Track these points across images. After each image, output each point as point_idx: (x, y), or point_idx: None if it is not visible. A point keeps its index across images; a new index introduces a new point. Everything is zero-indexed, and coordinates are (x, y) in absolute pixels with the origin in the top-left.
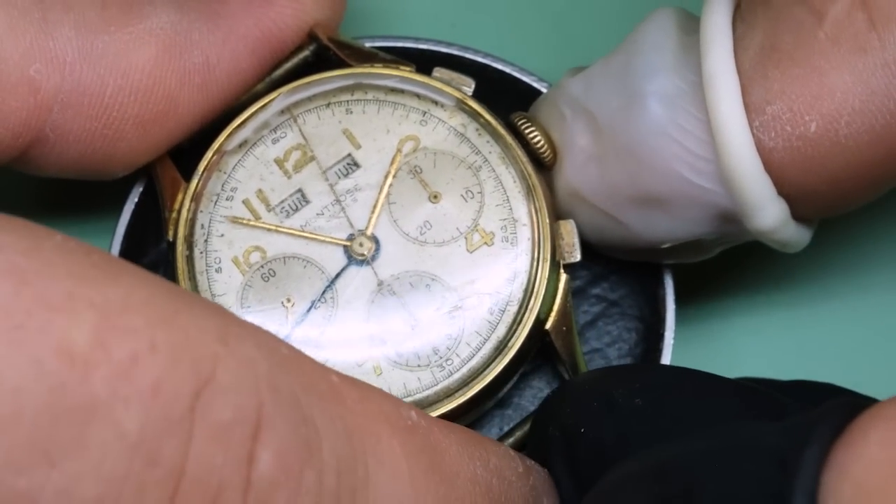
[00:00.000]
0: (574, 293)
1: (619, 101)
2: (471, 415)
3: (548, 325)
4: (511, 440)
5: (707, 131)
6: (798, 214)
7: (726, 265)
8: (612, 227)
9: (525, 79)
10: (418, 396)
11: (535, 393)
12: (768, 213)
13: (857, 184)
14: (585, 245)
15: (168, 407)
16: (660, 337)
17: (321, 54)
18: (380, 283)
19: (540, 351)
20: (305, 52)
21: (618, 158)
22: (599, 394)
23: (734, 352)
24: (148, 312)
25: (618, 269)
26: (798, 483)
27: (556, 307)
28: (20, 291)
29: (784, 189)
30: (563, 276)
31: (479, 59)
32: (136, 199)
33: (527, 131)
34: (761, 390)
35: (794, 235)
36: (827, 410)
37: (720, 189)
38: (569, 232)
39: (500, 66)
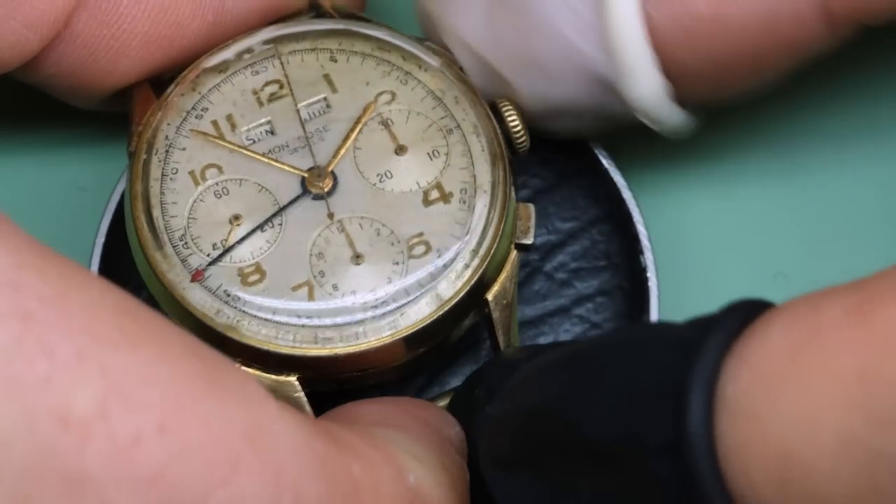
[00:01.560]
0: (558, 312)
1: None
2: (393, 370)
3: (489, 295)
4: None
5: None
6: (679, 97)
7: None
8: (493, 79)
9: None
10: (346, 330)
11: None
12: (645, 83)
13: (739, 68)
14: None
15: (170, 500)
16: None
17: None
18: (330, 217)
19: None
20: (303, 17)
21: (506, 10)
22: (527, 357)
23: None
24: (167, 390)
25: (604, 291)
26: (697, 367)
27: (500, 279)
28: (24, 340)
29: (667, 66)
30: (513, 253)
31: None
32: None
33: (507, 114)
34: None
35: (673, 116)
36: (734, 306)
37: (601, 54)
38: (527, 215)
39: None
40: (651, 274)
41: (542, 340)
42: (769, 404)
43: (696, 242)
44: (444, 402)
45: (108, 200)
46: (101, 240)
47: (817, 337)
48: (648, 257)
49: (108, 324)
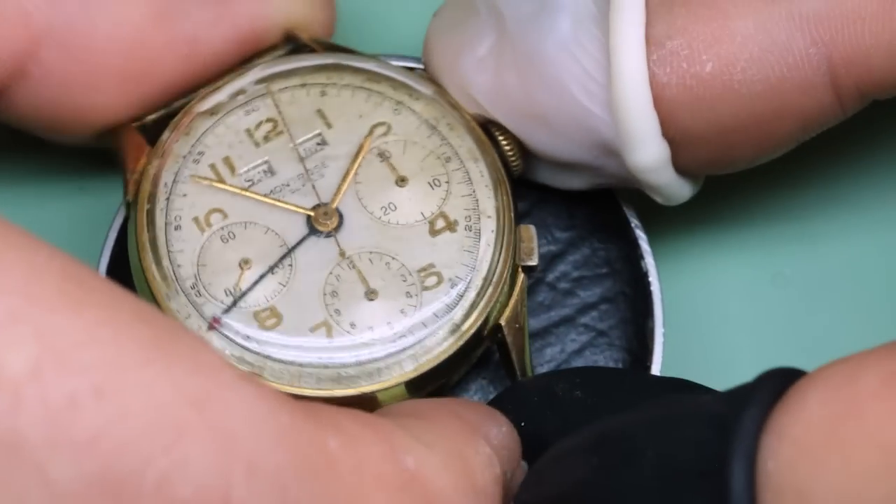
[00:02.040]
0: (563, 322)
1: (531, 8)
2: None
3: (502, 320)
4: None
5: (606, 56)
6: (681, 165)
7: (717, 303)
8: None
9: None
10: (369, 367)
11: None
12: (648, 149)
13: (743, 137)
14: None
15: (106, 466)
16: (646, 370)
17: (300, 53)
18: (340, 255)
19: (484, 358)
20: (280, 51)
21: (515, 64)
22: (540, 389)
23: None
24: (106, 353)
25: (608, 299)
26: (737, 444)
27: (511, 303)
28: None
29: (670, 132)
30: (521, 276)
31: None
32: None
33: (500, 138)
34: (705, 387)
35: (672, 184)
36: (766, 376)
37: (606, 116)
38: (529, 237)
39: None
40: (653, 278)
41: (550, 352)
42: (813, 478)
43: (696, 244)
44: None
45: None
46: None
47: (857, 408)
48: (649, 262)
49: (49, 287)
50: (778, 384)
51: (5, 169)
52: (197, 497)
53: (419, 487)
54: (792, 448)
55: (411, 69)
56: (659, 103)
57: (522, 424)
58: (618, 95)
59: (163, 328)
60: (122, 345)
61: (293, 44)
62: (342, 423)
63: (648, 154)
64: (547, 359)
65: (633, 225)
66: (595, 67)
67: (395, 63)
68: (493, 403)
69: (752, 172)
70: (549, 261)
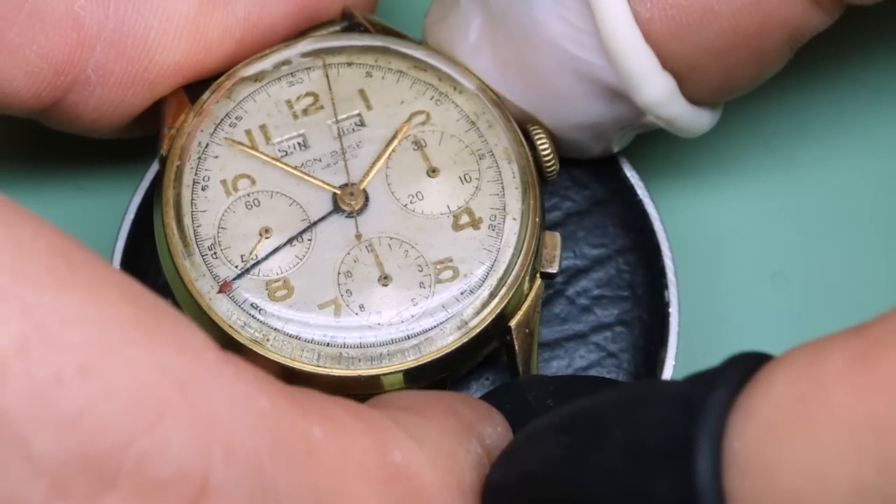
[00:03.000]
0: (575, 337)
1: None
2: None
3: (512, 323)
4: None
5: (588, 5)
6: (690, 95)
7: (731, 331)
8: (515, 111)
9: None
10: (371, 352)
11: None
12: (652, 83)
13: (738, 55)
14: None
15: (88, 444)
16: None
17: (352, 32)
18: (359, 237)
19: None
20: (335, 27)
21: (507, 39)
22: (512, 397)
23: None
24: (92, 332)
25: (623, 321)
26: (703, 424)
27: (524, 307)
28: None
29: (668, 63)
30: (538, 282)
31: None
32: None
33: (538, 139)
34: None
35: (686, 113)
36: (734, 360)
37: (604, 62)
38: (553, 244)
39: None
40: (673, 309)
41: (556, 364)
42: (779, 457)
43: (723, 278)
44: None
45: (134, 192)
46: (123, 234)
47: (822, 387)
48: (672, 292)
49: (36, 264)
50: (746, 367)
51: (5, 170)
52: (176, 477)
53: (404, 482)
54: (759, 427)
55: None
56: (649, 38)
57: None
58: (608, 39)
59: (148, 308)
60: (107, 324)
61: (348, 21)
62: (331, 411)
63: (654, 88)
64: (553, 371)
65: (663, 253)
66: (581, 20)
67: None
68: None
69: (752, 173)
70: (572, 275)
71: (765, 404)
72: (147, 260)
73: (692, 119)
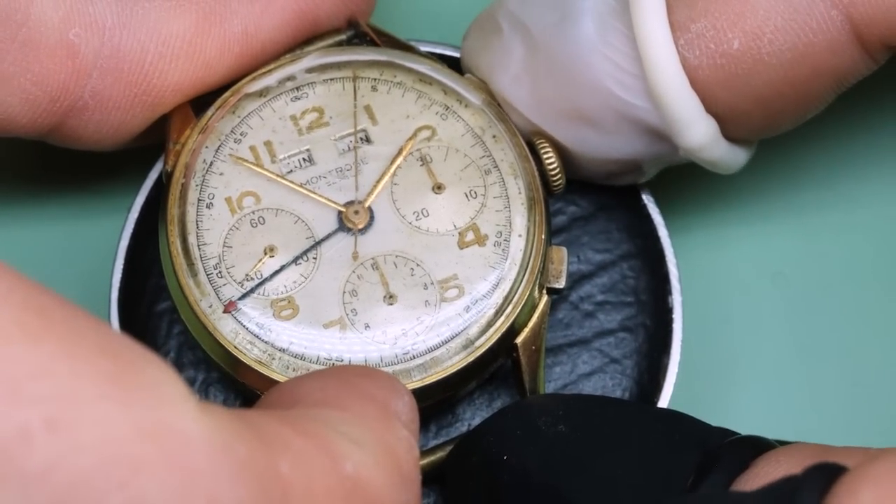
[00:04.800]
0: (578, 343)
1: (554, 17)
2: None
3: (518, 340)
4: (432, 457)
5: (635, 48)
6: (730, 135)
7: (732, 332)
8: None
9: None
10: None
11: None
12: (696, 129)
13: (784, 103)
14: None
15: (59, 501)
16: (652, 405)
17: (356, 41)
18: (365, 254)
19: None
20: (341, 36)
21: (550, 73)
22: (523, 422)
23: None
24: (62, 386)
25: (627, 327)
26: None
27: (531, 324)
28: None
29: (712, 108)
30: (545, 298)
31: None
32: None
33: (544, 153)
34: (684, 416)
35: (727, 155)
36: (808, 474)
37: (648, 105)
38: (560, 259)
39: None
40: (677, 315)
41: (559, 370)
42: None
43: (727, 284)
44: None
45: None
46: (127, 234)
47: None
48: (676, 298)
49: (6, 318)
50: (822, 482)
51: (10, 171)
52: None
53: (360, 492)
54: None
55: (463, 74)
56: (695, 84)
57: (505, 458)
58: (655, 84)
59: (126, 360)
60: (78, 378)
61: (353, 30)
62: (286, 438)
63: (698, 133)
64: (555, 377)
65: (667, 259)
66: (627, 62)
67: (425, 49)
68: (478, 434)
69: (754, 174)
70: (576, 280)
71: None
72: (151, 260)
73: (732, 159)
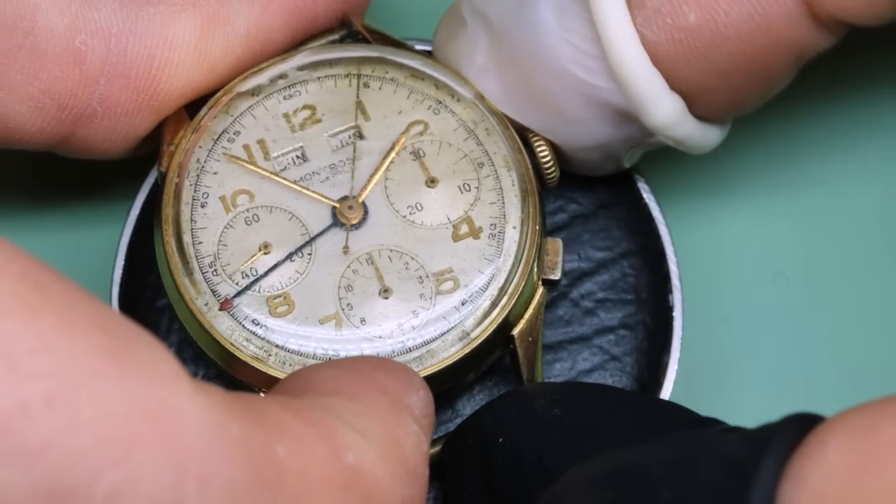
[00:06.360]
0: (578, 340)
1: (512, 4)
2: None
3: (515, 331)
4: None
5: (594, 30)
6: (698, 113)
7: (732, 332)
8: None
9: None
10: None
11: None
12: (661, 106)
13: (745, 77)
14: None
15: (56, 476)
16: None
17: (349, 40)
18: (360, 250)
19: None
20: (334, 35)
21: (513, 62)
22: (519, 405)
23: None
24: (60, 361)
25: (627, 325)
26: (755, 493)
27: (527, 316)
28: None
29: (676, 85)
30: (540, 289)
31: None
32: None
33: (537, 146)
34: (681, 407)
35: (696, 133)
36: (784, 422)
37: (611, 86)
38: (555, 251)
39: None
40: (677, 313)
41: (559, 367)
42: None
43: (727, 282)
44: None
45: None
46: (127, 232)
47: (877, 459)
48: (677, 297)
49: (5, 290)
50: (797, 430)
51: (10, 172)
52: None
53: (360, 483)
54: (810, 499)
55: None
56: (656, 61)
57: (500, 440)
58: (616, 63)
59: (121, 337)
60: (76, 353)
61: (347, 29)
62: (286, 423)
63: (664, 110)
64: (556, 373)
65: (667, 257)
66: (587, 44)
67: (419, 48)
68: (475, 417)
69: (754, 173)
70: (576, 277)
71: (817, 474)
72: (151, 257)
73: (702, 137)
